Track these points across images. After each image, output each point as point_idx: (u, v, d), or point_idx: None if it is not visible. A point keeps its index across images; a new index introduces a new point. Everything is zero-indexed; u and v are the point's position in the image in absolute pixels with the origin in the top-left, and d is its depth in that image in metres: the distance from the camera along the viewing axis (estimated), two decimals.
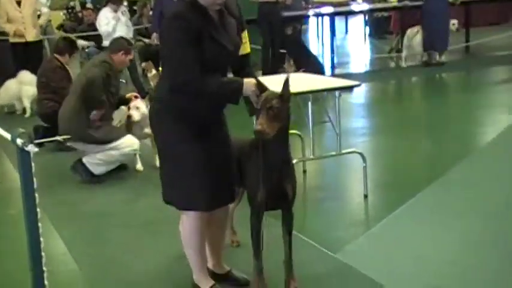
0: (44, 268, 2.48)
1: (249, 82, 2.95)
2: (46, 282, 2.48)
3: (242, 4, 5.81)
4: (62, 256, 4.03)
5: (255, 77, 3.06)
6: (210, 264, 3.43)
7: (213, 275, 3.41)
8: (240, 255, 3.63)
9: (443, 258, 3.64)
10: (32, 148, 2.38)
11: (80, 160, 5.50)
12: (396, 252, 3.79)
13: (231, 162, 3.20)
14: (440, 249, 3.77)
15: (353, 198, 4.85)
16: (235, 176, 3.22)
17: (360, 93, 8.87)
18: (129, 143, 5.51)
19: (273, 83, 3.08)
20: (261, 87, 2.95)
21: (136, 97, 5.79)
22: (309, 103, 4.59)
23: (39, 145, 6.58)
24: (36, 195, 2.44)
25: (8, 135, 2.55)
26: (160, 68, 5.70)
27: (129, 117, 5.58)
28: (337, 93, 4.63)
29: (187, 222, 3.16)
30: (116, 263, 3.86)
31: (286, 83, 2.93)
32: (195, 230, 3.16)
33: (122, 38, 6.10)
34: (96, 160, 5.44)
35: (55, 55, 6.79)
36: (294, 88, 3.82)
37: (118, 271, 3.74)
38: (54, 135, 6.60)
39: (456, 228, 4.08)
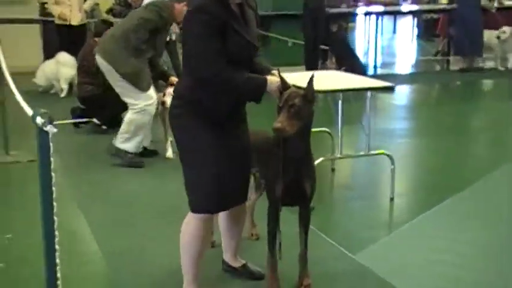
0: (57, 246, 2.52)
1: (273, 79, 2.93)
2: (57, 260, 2.53)
3: None
4: (85, 236, 4.10)
5: (269, 69, 3.04)
6: (226, 257, 3.45)
7: (228, 267, 3.44)
8: (259, 248, 3.62)
9: (460, 265, 3.59)
10: (51, 129, 2.41)
11: (112, 145, 5.58)
12: (414, 257, 3.76)
13: (247, 162, 3.15)
14: (459, 256, 3.71)
15: (379, 200, 4.81)
16: (248, 175, 3.19)
17: (402, 95, 8.77)
18: (146, 97, 5.46)
19: (307, 79, 2.96)
20: (284, 85, 2.93)
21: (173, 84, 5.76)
22: (339, 102, 4.56)
23: (75, 126, 6.89)
24: (53, 174, 2.47)
25: (30, 112, 2.60)
26: None
27: (163, 103, 5.57)
28: (369, 93, 4.59)
29: (193, 224, 3.03)
30: (136, 249, 3.85)
31: (310, 82, 2.91)
32: (198, 234, 3.03)
33: None
34: (122, 135, 5.50)
35: (94, 39, 6.89)
36: (322, 86, 3.83)
37: (137, 259, 3.72)
38: (91, 118, 6.77)
39: (479, 238, 4.01)
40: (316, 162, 4.45)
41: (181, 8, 5.22)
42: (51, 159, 2.48)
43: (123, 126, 5.52)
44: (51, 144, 2.47)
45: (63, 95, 8.84)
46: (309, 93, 2.90)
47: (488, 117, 7.90)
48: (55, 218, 2.50)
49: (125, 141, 5.52)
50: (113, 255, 3.78)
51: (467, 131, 7.21)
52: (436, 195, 4.71)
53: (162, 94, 5.68)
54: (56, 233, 2.52)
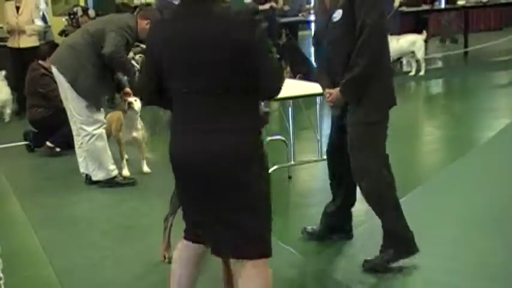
0: (1, 274, 2.47)
1: None
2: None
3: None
4: (38, 259, 4.04)
5: None
6: None
7: None
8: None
9: (424, 264, 3.61)
10: None
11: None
12: (355, 259, 3.75)
13: None
14: (421, 255, 3.74)
15: None
16: None
17: None
18: (94, 122, 5.32)
19: None
20: None
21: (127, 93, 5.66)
22: (289, 109, 4.59)
23: (28, 149, 6.81)
24: None
25: None
26: None
27: (129, 104, 5.49)
28: (318, 99, 4.62)
29: (264, 273, 2.52)
30: (92, 267, 3.85)
31: None
32: (270, 282, 2.58)
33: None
34: (91, 169, 5.45)
35: (39, 62, 6.81)
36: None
37: (93, 276, 3.74)
38: (43, 141, 6.69)
39: (435, 234, 4.06)
40: (271, 170, 4.51)
41: (144, 26, 5.14)
42: None
43: (87, 159, 5.47)
44: None
45: (6, 119, 8.81)
46: None
47: (445, 116, 8.01)
48: None
49: (97, 172, 5.46)
50: (65, 274, 3.76)
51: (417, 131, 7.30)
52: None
53: (123, 103, 5.59)
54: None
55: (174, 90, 2.49)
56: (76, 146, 5.60)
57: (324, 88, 3.62)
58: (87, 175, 5.58)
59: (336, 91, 3.46)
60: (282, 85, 2.45)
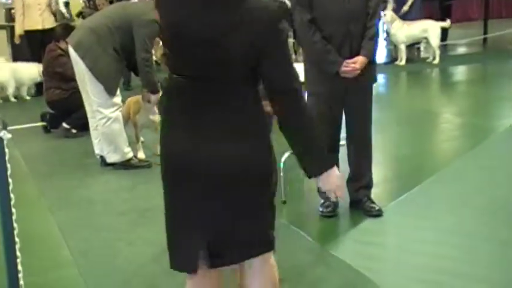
0: (18, 253, 2.49)
1: None
2: (20, 267, 2.50)
3: None
4: (54, 240, 4.08)
5: None
6: None
7: None
8: None
9: (436, 253, 3.60)
10: (4, 135, 2.38)
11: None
12: (385, 246, 3.78)
13: None
14: (430, 244, 3.73)
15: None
16: None
17: None
18: (111, 104, 5.34)
19: None
20: None
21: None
22: (305, 93, 4.56)
23: (45, 131, 6.87)
24: (10, 180, 2.44)
25: None
26: None
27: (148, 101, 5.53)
28: None
29: (271, 265, 2.37)
30: (106, 249, 3.88)
31: None
32: (276, 272, 2.42)
33: None
34: (107, 152, 5.47)
35: (56, 43, 6.83)
36: None
37: (108, 257, 3.76)
38: (60, 122, 6.73)
39: (449, 223, 4.04)
40: (284, 157, 4.51)
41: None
42: (8, 165, 2.45)
43: (102, 142, 5.49)
44: (6, 150, 2.44)
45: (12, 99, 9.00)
46: None
47: (460, 103, 7.94)
48: (15, 224, 2.48)
49: (112, 154, 5.48)
50: (81, 255, 3.79)
51: (435, 118, 7.25)
52: (405, 183, 4.74)
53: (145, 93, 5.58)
54: (17, 239, 2.50)
55: (178, 74, 2.18)
56: (91, 128, 5.62)
57: (339, 62, 3.88)
58: (102, 157, 5.61)
59: (359, 58, 3.89)
60: (298, 86, 2.15)
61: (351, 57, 3.90)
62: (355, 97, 4.04)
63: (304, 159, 2.22)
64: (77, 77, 5.47)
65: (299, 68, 4.10)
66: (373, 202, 4.21)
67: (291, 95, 2.13)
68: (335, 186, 2.25)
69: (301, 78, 4.23)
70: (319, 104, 3.97)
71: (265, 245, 2.29)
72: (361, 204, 4.22)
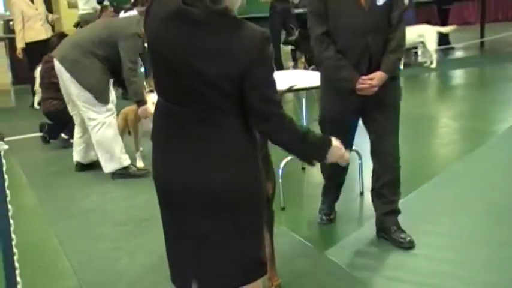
0: (17, 264, 2.49)
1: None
2: (18, 279, 2.50)
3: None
4: (53, 251, 4.08)
5: None
6: None
7: None
8: None
9: (435, 256, 3.61)
10: (1, 146, 2.39)
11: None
12: (383, 250, 3.78)
13: None
14: (429, 248, 3.74)
15: (348, 195, 4.80)
16: None
17: None
18: (105, 110, 5.35)
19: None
20: None
21: (152, 91, 5.51)
22: (303, 100, 4.58)
23: (43, 141, 6.87)
24: (8, 192, 2.45)
25: None
26: None
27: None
28: None
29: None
30: (105, 259, 3.89)
31: None
32: None
33: None
34: (102, 160, 5.46)
35: (51, 54, 6.84)
36: (284, 85, 3.85)
37: (107, 267, 3.77)
38: (58, 132, 6.75)
39: (448, 226, 4.04)
40: (284, 161, 4.51)
41: None
42: (5, 176, 2.46)
43: (97, 152, 5.49)
44: (3, 161, 2.44)
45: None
46: None
47: (460, 107, 7.96)
48: (13, 235, 2.48)
49: (109, 163, 5.47)
50: (81, 268, 3.78)
51: (433, 122, 7.26)
52: (404, 188, 4.73)
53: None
54: (15, 250, 2.50)
55: (160, 97, 2.18)
56: (76, 136, 5.69)
57: (354, 79, 3.53)
58: (78, 162, 5.74)
59: (377, 74, 3.53)
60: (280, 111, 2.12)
61: (370, 73, 3.55)
62: (376, 112, 3.69)
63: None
64: (62, 90, 5.50)
65: (294, 74, 4.07)
66: (403, 232, 3.80)
67: (274, 122, 2.12)
68: (338, 157, 2.34)
69: (304, 83, 4.25)
70: (330, 125, 3.70)
71: (239, 277, 2.18)
72: (390, 234, 3.83)
